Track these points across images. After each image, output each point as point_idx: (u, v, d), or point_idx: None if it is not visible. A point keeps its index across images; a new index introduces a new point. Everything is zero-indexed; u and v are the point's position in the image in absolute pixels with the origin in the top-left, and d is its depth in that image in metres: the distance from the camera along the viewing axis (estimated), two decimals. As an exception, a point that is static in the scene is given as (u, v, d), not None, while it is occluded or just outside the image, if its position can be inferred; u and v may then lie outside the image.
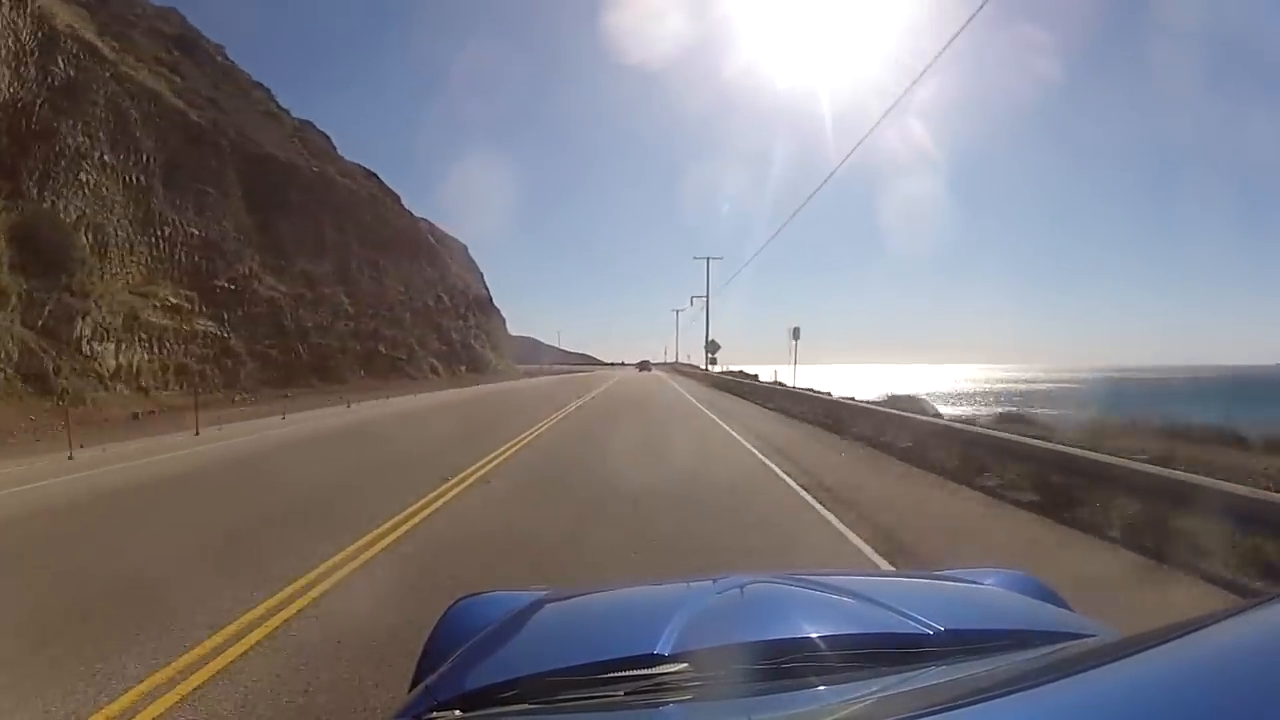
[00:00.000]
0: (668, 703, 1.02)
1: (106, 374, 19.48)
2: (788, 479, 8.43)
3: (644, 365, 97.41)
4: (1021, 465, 7.49)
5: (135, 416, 17.66)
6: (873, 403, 15.95)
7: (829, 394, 18.06)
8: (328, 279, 34.89)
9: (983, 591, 1.59)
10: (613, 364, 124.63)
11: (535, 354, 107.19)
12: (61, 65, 21.80)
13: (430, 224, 59.40)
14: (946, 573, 1.88)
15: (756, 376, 35.97)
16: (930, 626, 1.13)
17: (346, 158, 46.47)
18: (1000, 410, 19.89)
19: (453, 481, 8.02)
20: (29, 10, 20.89)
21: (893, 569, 4.79)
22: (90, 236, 21.04)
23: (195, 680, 3.15)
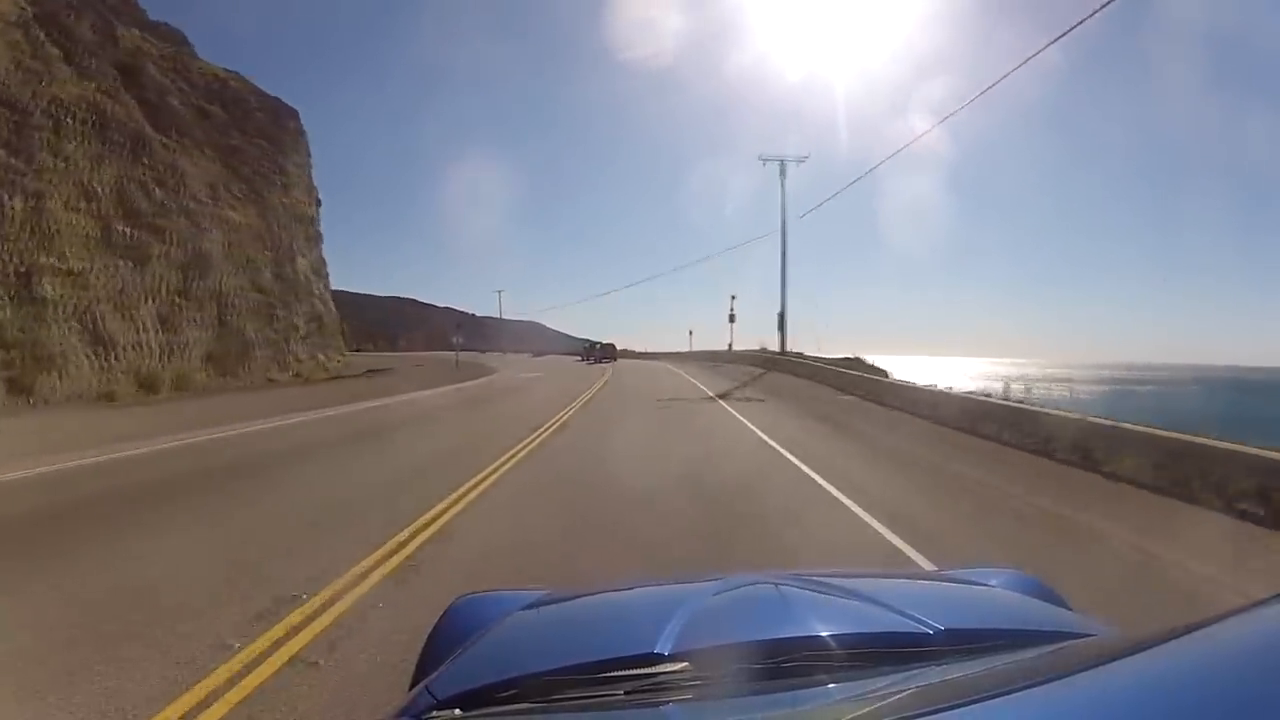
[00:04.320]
0: (668, 702, 1.02)
1: None
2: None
3: (597, 352, 50.78)
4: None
5: None
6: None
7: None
8: None
9: (982, 591, 1.61)
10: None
11: (539, 340, 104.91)
12: None
13: (240, 76, 35.35)
14: (946, 573, 1.87)
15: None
16: (930, 626, 1.14)
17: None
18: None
19: None
20: None
21: (896, 569, 4.62)
22: None
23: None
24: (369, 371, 35.08)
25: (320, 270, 38.51)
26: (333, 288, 42.57)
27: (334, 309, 40.12)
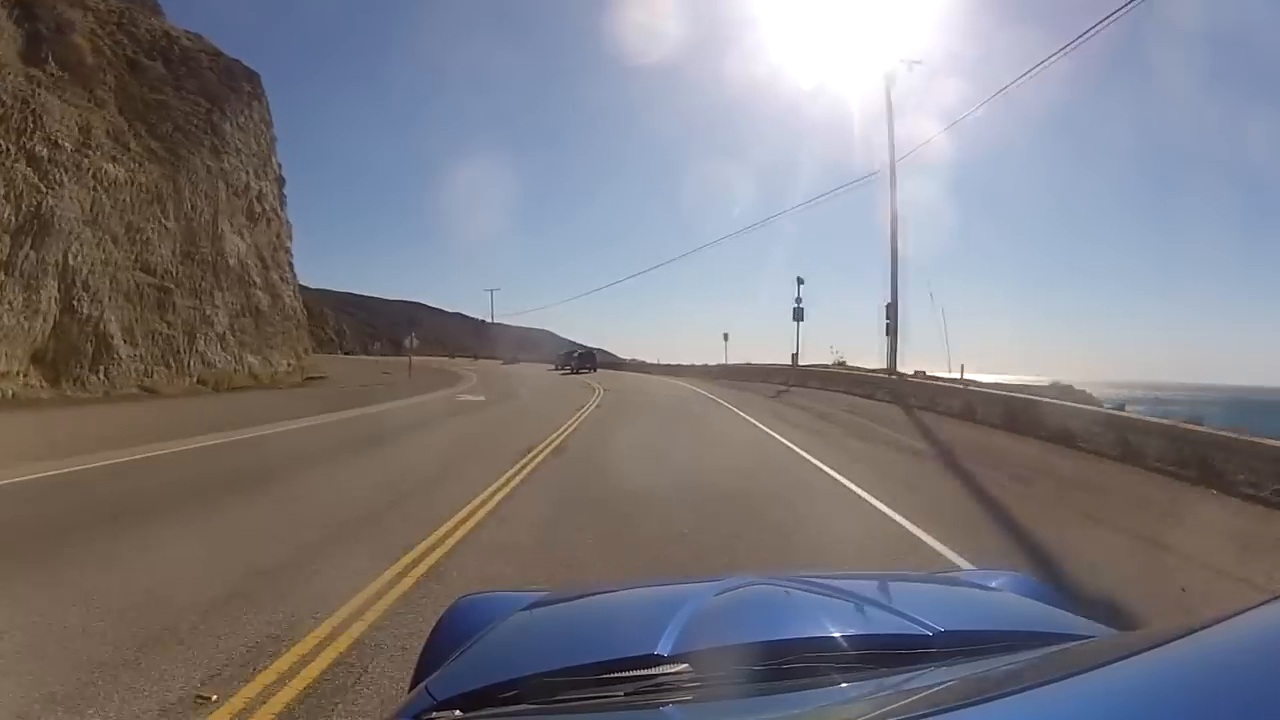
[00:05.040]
0: (668, 703, 1.03)
1: None
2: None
3: (575, 360, 45.18)
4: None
5: None
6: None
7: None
8: None
9: (982, 593, 1.65)
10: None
11: (548, 345, 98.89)
12: None
13: (195, 35, 30.51)
14: (946, 574, 2.03)
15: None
16: (930, 628, 1.16)
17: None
18: None
19: None
20: None
21: (896, 570, 4.40)
22: None
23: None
24: (308, 379, 29.58)
25: (272, 257, 31.54)
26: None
27: (292, 303, 33.14)
